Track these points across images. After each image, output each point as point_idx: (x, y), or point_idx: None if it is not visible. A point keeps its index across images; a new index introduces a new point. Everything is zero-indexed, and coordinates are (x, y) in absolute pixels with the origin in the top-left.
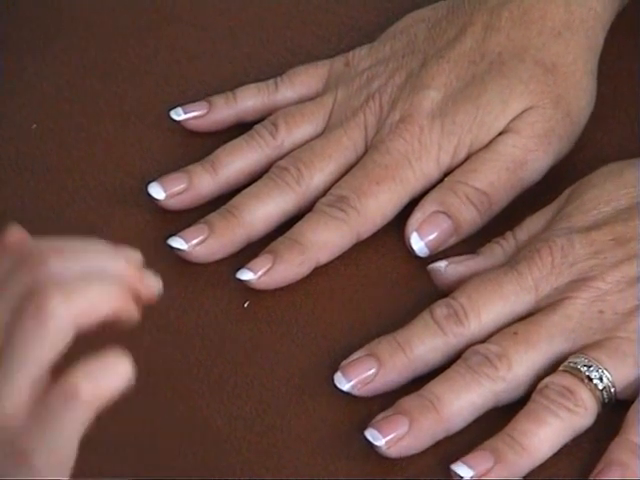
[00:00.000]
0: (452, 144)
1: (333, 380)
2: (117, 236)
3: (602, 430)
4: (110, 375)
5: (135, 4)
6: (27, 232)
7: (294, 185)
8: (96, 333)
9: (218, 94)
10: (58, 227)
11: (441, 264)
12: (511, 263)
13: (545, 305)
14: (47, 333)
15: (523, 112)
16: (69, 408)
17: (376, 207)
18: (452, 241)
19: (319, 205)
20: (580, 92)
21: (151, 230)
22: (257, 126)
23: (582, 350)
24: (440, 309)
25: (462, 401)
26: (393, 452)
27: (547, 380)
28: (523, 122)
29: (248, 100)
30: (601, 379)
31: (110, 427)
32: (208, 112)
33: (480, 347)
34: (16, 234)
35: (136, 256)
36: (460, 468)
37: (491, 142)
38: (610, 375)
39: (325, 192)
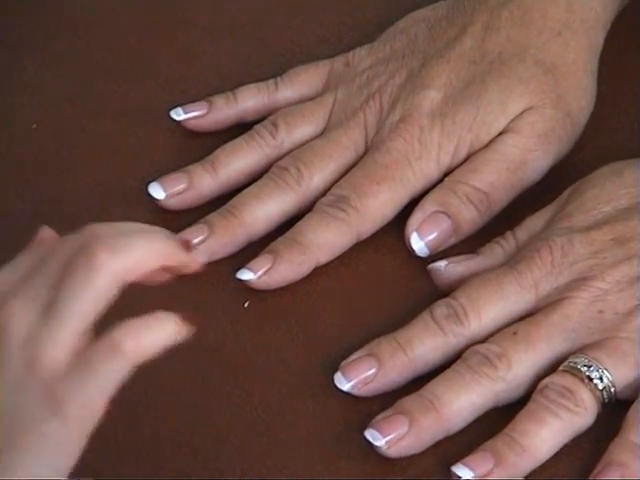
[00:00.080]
0: (452, 144)
1: (333, 380)
2: None
3: (602, 430)
4: (154, 334)
5: (135, 4)
6: (29, 233)
7: (294, 185)
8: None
9: (218, 94)
10: (58, 227)
11: (441, 264)
12: (511, 263)
13: (545, 305)
14: (94, 287)
15: (523, 112)
16: (109, 360)
17: (376, 207)
18: (452, 241)
19: (319, 205)
20: (580, 92)
21: None
22: (257, 126)
23: (582, 350)
24: (440, 309)
25: (462, 401)
26: (393, 452)
27: (547, 380)
28: (523, 122)
29: (248, 100)
30: (601, 379)
31: (110, 427)
32: (208, 112)
33: (480, 347)
34: (47, 233)
35: None
36: (460, 470)
37: (491, 142)
38: (610, 375)
39: (325, 192)
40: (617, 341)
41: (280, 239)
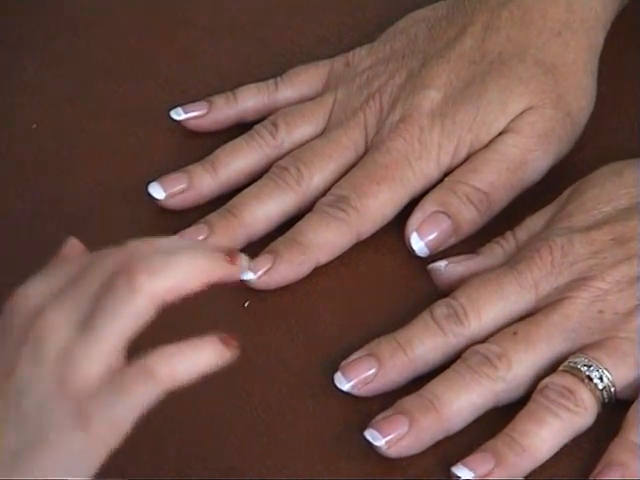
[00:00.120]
0: (452, 144)
1: (333, 380)
2: (117, 236)
3: (602, 430)
4: (189, 361)
5: (135, 4)
6: (29, 233)
7: (294, 185)
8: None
9: (218, 94)
10: (58, 227)
11: (441, 264)
12: (511, 263)
13: (545, 305)
14: (133, 308)
15: (523, 112)
16: (141, 384)
17: (376, 207)
18: (452, 241)
19: (319, 205)
20: (580, 92)
21: (151, 230)
22: (257, 126)
23: (582, 350)
24: (440, 309)
25: (462, 401)
26: (393, 452)
27: (547, 380)
28: (523, 122)
29: (248, 100)
30: (601, 379)
31: None
32: (208, 112)
33: (480, 347)
34: (74, 245)
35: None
36: (461, 470)
37: (491, 142)
38: (610, 375)
39: (325, 192)
40: (617, 341)
41: (280, 239)
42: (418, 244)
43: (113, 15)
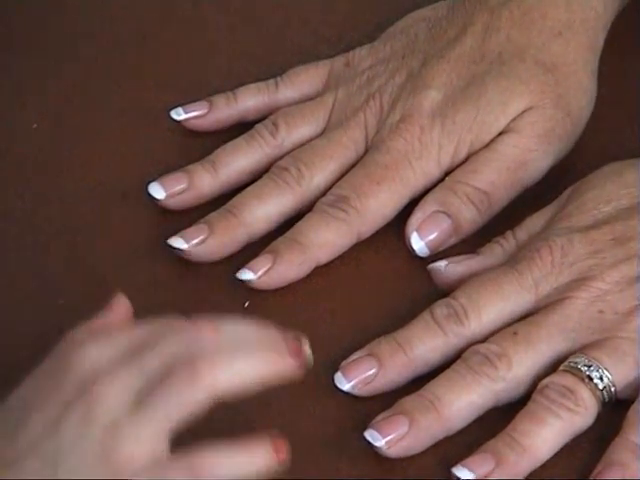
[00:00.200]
0: (452, 144)
1: (333, 380)
2: (117, 236)
3: (602, 430)
4: (238, 465)
5: (136, 4)
6: (29, 233)
7: (294, 185)
8: None
9: (218, 94)
10: (58, 227)
11: (441, 264)
12: (511, 263)
13: (545, 305)
14: (189, 399)
15: (523, 112)
16: (182, 475)
17: (376, 207)
18: (452, 241)
19: (320, 205)
20: (580, 92)
21: (151, 230)
22: (257, 126)
23: (582, 350)
24: (440, 309)
25: (462, 401)
26: (393, 452)
27: (547, 380)
28: (523, 122)
29: (249, 100)
30: (601, 379)
31: None
32: (208, 112)
33: (480, 347)
34: (122, 304)
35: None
36: (461, 471)
37: (491, 142)
38: (610, 375)
39: (325, 192)
40: (617, 341)
41: (280, 239)
42: (418, 244)
43: (113, 15)
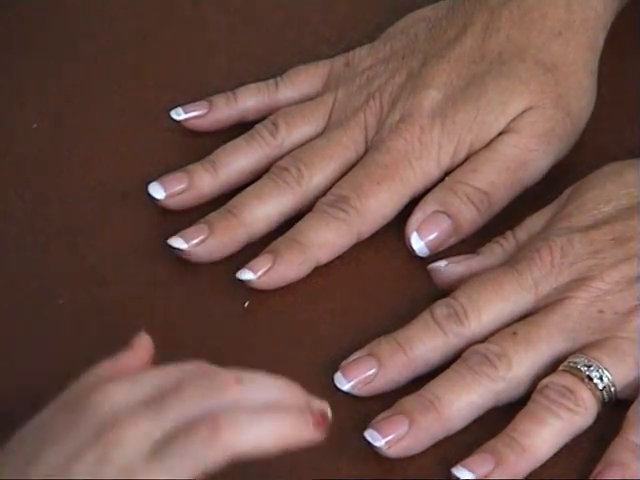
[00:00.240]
0: (452, 144)
1: (333, 380)
2: (117, 236)
3: (602, 430)
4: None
5: (136, 4)
6: (29, 233)
7: (294, 185)
8: None
9: (218, 94)
10: (58, 227)
11: (441, 264)
12: (511, 263)
13: (545, 305)
14: (206, 455)
15: (523, 112)
16: None
17: (376, 207)
18: (452, 241)
19: (319, 205)
20: (580, 92)
21: (151, 230)
22: (257, 126)
23: (582, 350)
24: (440, 309)
25: (462, 401)
26: (393, 452)
27: (547, 380)
28: (523, 122)
29: (249, 100)
30: (601, 379)
31: None
32: (208, 112)
33: (480, 347)
34: (145, 343)
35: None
36: (461, 472)
37: (491, 142)
38: (610, 375)
39: (325, 192)
40: (617, 341)
41: (280, 239)
42: (418, 244)
43: (113, 15)
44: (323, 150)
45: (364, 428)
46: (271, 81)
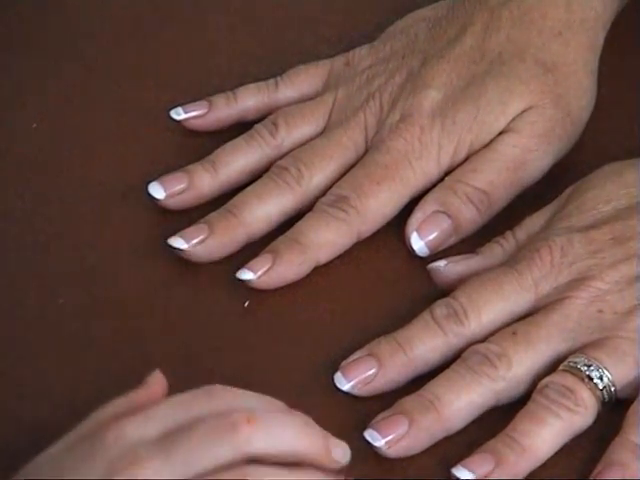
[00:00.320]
0: (452, 144)
1: (333, 380)
2: (117, 236)
3: (602, 430)
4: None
5: (136, 4)
6: (29, 233)
7: (294, 185)
8: None
9: (218, 94)
10: (58, 227)
11: (440, 263)
12: (511, 263)
13: (545, 304)
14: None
15: (523, 112)
16: None
17: (376, 207)
18: (452, 241)
19: (319, 205)
20: (580, 92)
21: (151, 230)
22: (257, 125)
23: (582, 350)
24: (440, 309)
25: (462, 401)
26: (393, 452)
27: (547, 380)
28: (523, 122)
29: (248, 100)
30: (601, 378)
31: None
32: (208, 112)
33: (480, 347)
34: (159, 382)
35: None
36: (461, 472)
37: (491, 142)
38: (610, 374)
39: (325, 192)
40: (617, 341)
41: (280, 239)
42: (418, 244)
43: (113, 15)
44: (323, 150)
45: (364, 428)
46: (271, 81)
